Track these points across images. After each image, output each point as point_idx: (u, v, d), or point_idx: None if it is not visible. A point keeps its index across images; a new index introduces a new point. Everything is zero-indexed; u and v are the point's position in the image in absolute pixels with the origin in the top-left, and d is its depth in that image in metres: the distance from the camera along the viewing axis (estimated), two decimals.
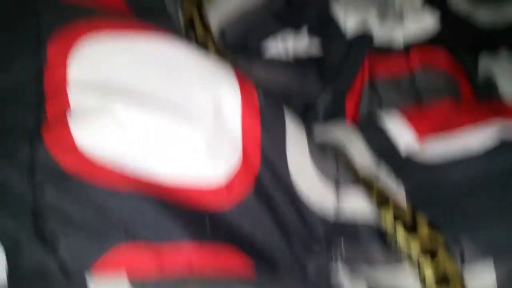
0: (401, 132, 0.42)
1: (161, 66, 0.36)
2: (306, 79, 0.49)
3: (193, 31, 0.48)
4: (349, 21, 0.51)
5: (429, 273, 0.34)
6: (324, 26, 0.52)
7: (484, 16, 0.55)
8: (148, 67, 0.36)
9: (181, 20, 0.49)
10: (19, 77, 0.34)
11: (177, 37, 0.40)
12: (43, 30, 0.36)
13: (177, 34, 0.42)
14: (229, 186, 0.34)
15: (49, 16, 0.37)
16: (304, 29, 0.52)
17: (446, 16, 0.53)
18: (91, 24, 0.37)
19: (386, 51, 0.50)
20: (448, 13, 0.54)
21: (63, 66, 0.34)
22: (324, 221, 0.36)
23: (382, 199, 0.37)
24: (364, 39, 0.50)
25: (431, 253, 0.35)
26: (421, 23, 0.52)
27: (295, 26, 0.52)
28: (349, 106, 0.49)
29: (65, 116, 0.32)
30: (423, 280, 0.35)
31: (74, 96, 0.33)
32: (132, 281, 0.29)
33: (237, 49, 0.50)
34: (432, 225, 0.36)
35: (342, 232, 0.36)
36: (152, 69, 0.36)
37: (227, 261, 0.32)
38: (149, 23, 0.40)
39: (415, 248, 0.35)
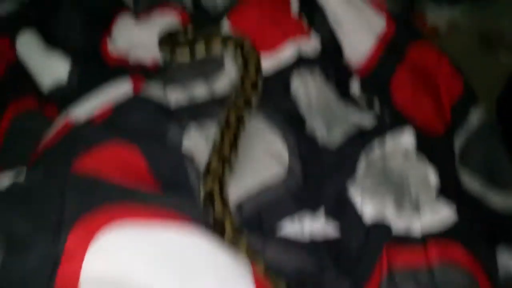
0: None
1: (177, 263, 0.36)
2: (322, 263, 0.47)
3: (212, 206, 0.48)
4: (366, 207, 0.52)
5: None
6: (341, 208, 0.52)
7: (497, 201, 0.56)
8: (163, 263, 0.36)
9: (202, 193, 0.50)
10: (32, 267, 0.33)
11: (197, 225, 0.40)
12: (66, 215, 0.35)
13: (198, 219, 0.43)
14: None
15: (75, 199, 0.37)
16: (321, 210, 0.52)
17: (461, 202, 0.53)
18: (116, 210, 0.37)
19: (404, 241, 0.50)
20: (463, 197, 0.55)
21: (79, 259, 0.33)
22: None
23: None
24: (382, 228, 0.50)
25: None
26: (437, 215, 0.52)
27: (312, 207, 0.52)
28: None
29: None
30: None
31: None
32: None
33: (252, 225, 0.50)
34: None
35: None
36: (167, 265, 0.36)
37: None
38: (171, 208, 0.40)
39: None
